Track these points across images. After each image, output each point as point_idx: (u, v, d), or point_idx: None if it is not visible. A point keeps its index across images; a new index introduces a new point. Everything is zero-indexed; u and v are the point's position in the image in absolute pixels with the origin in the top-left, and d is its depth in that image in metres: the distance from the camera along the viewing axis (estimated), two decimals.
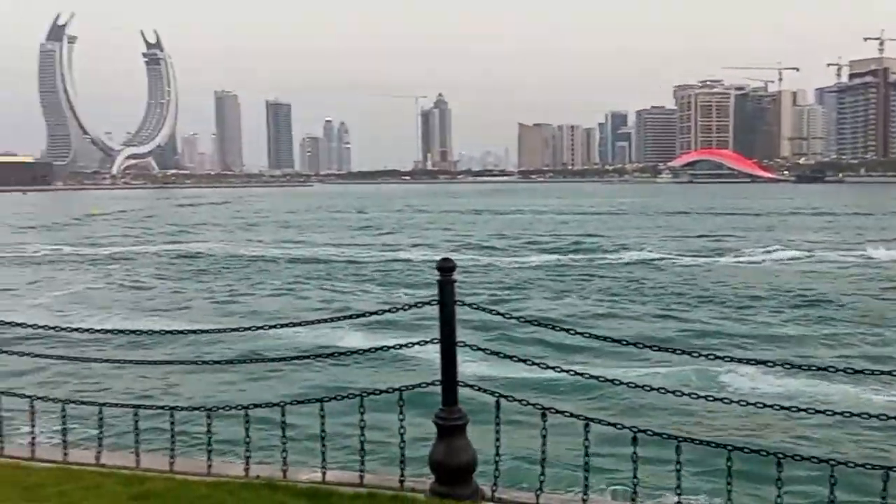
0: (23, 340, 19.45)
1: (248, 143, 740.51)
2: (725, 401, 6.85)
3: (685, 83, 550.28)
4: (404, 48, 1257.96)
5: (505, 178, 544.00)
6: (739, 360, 6.82)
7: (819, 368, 6.31)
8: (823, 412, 6.79)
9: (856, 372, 6.28)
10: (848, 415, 6.66)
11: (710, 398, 6.73)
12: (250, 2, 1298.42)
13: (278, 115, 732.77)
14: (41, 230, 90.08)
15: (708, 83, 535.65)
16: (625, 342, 6.95)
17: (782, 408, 6.36)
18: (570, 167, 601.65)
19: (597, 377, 7.00)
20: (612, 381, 6.84)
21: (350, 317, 8.08)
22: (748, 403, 6.33)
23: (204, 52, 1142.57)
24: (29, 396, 8.28)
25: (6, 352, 9.34)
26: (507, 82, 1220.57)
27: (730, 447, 6.03)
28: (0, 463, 7.71)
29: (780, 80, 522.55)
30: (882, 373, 6.37)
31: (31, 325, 8.73)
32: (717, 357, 6.72)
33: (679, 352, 7.04)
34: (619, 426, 6.47)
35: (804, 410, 6.36)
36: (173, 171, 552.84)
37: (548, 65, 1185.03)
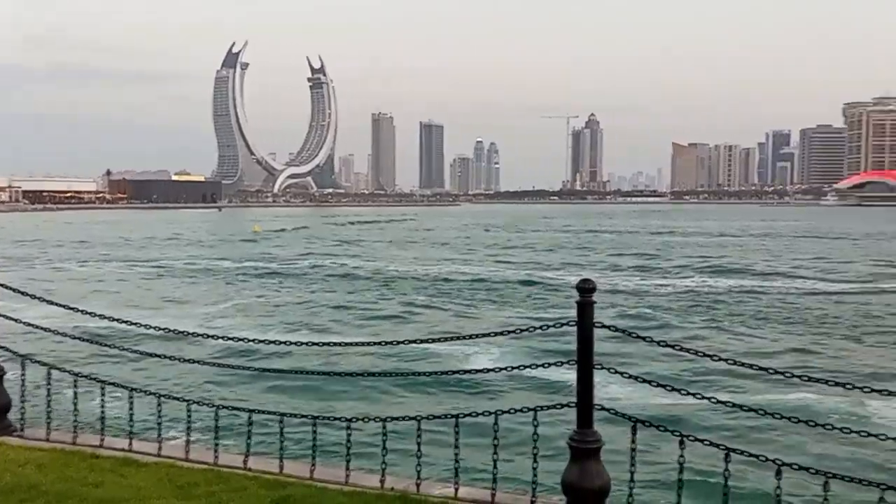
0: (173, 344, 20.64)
1: (401, 163, 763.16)
2: (881, 437, 6.35)
3: (856, 101, 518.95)
4: (557, 68, 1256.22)
5: (656, 198, 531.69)
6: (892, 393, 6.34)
7: None
8: None
9: None
10: None
11: (865, 433, 6.29)
12: (407, 26, 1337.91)
13: (431, 135, 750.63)
14: (227, 244, 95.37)
15: (882, 100, 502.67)
16: (771, 371, 6.61)
17: None
18: (726, 188, 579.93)
19: (740, 405, 6.67)
20: (754, 409, 6.52)
21: (486, 335, 8.13)
22: None
23: (364, 77, 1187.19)
24: (187, 400, 8.85)
25: (167, 357, 10.04)
26: (661, 103, 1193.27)
27: (884, 486, 5.61)
28: (157, 462, 8.26)
29: None
30: None
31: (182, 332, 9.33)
32: (872, 390, 6.26)
33: (832, 383, 6.62)
34: (761, 458, 6.16)
35: None
36: (330, 189, 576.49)
37: (706, 83, 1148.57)
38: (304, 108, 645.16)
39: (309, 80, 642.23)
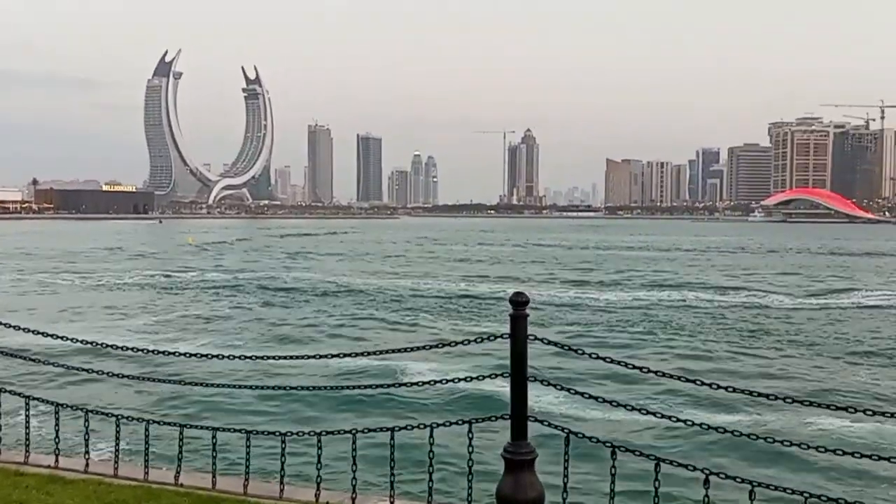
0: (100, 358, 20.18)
1: (339, 176, 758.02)
2: (802, 446, 6.58)
3: (781, 120, 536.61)
4: (494, 84, 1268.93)
5: (591, 213, 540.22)
6: (823, 406, 6.57)
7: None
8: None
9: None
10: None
11: (787, 443, 6.49)
12: (345, 38, 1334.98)
13: (369, 148, 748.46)
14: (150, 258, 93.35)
15: (806, 120, 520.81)
16: (699, 382, 6.77)
17: (863, 455, 6.09)
18: (658, 204, 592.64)
19: (669, 416, 6.82)
20: (684, 421, 6.68)
21: (422, 348, 8.14)
22: (827, 450, 6.08)
23: (299, 87, 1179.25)
24: (115, 415, 8.64)
25: (94, 371, 9.78)
26: (596, 119, 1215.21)
27: (807, 494, 5.79)
28: (84, 479, 8.03)
29: (883, 118, 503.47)
30: None
31: (112, 346, 9.12)
32: (795, 400, 6.50)
33: (760, 395, 6.81)
34: (690, 467, 6.30)
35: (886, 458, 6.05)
36: (266, 201, 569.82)
37: (638, 102, 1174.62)
38: (240, 119, 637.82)
39: (244, 90, 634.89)
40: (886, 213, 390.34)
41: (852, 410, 6.32)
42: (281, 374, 23.32)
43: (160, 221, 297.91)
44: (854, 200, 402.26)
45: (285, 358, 8.37)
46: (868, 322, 40.77)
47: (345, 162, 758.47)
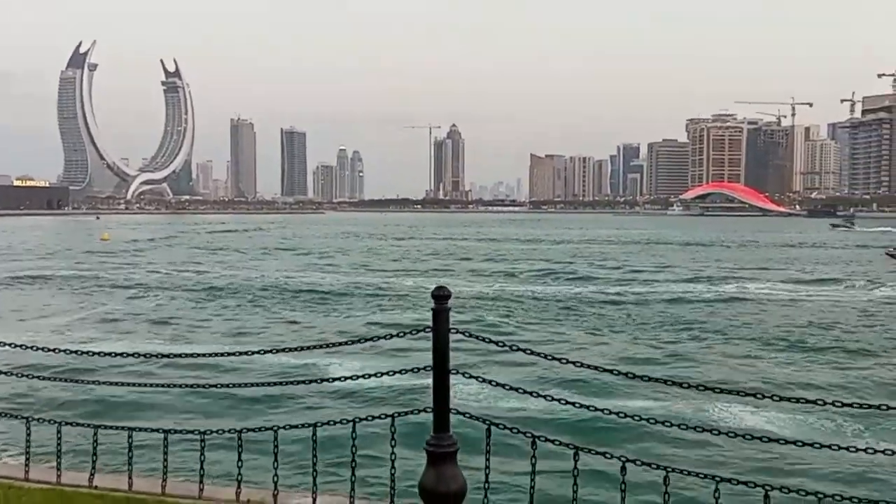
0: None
1: (263, 171, 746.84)
2: (714, 432, 6.81)
3: (698, 117, 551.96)
4: (419, 78, 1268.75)
5: (516, 208, 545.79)
6: (734, 392, 6.82)
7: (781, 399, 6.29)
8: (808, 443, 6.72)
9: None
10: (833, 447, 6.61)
11: (700, 429, 6.71)
12: (269, 32, 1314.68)
13: (293, 143, 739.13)
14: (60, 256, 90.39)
15: (721, 117, 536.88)
16: (616, 371, 6.94)
17: (770, 440, 6.35)
18: (581, 198, 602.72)
19: (587, 406, 6.97)
20: (601, 410, 6.84)
21: (344, 343, 8.12)
22: (737, 435, 6.32)
23: (221, 81, 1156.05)
24: (25, 417, 8.35)
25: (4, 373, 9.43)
26: (521, 114, 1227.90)
27: (718, 478, 5.99)
28: None
29: (794, 114, 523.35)
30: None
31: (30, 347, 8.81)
32: (706, 388, 6.72)
33: (673, 384, 7.01)
34: (608, 455, 6.46)
35: (793, 443, 6.31)
36: (187, 196, 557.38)
37: (561, 97, 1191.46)
38: (159, 113, 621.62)
39: (163, 83, 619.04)
40: (797, 206, 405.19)
41: (760, 396, 6.56)
42: (202, 371, 22.90)
43: (97, 217, 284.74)
44: (767, 194, 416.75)
45: (204, 355, 8.25)
46: (776, 310, 42.41)
47: (269, 156, 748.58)
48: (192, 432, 8.01)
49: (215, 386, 9.16)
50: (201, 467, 7.54)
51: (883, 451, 6.01)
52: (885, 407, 6.21)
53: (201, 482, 7.54)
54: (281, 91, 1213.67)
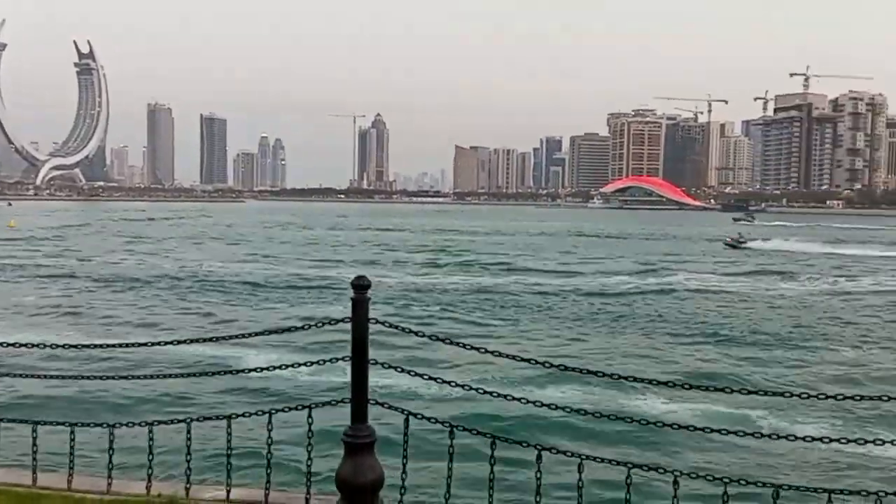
0: None
1: (181, 158, 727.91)
2: (626, 420, 6.95)
3: (619, 111, 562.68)
4: (345, 67, 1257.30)
5: (440, 199, 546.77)
6: (646, 381, 6.97)
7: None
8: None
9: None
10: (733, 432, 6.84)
11: (614, 417, 6.85)
12: (188, 15, 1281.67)
13: (213, 129, 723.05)
14: None
15: (641, 112, 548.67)
16: (533, 361, 7.00)
17: (680, 427, 6.52)
18: (504, 190, 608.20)
19: (504, 395, 7.02)
20: (518, 399, 6.90)
21: (260, 333, 7.98)
22: (648, 423, 6.48)
23: (139, 65, 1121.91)
24: None
25: None
26: (446, 105, 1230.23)
27: (630, 465, 6.12)
28: None
29: (710, 111, 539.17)
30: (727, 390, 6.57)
31: None
32: (620, 377, 6.86)
33: (589, 373, 7.13)
34: (524, 444, 6.53)
35: (701, 430, 6.50)
36: (101, 183, 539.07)
37: (486, 89, 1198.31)
38: (72, 96, 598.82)
39: (76, 65, 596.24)
40: (712, 200, 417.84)
41: (671, 385, 6.72)
42: (113, 363, 22.27)
43: (9, 204, 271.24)
44: (684, 188, 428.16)
45: (115, 346, 7.97)
46: (691, 302, 43.74)
47: (187, 143, 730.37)
48: (100, 426, 7.74)
49: (126, 377, 8.90)
50: (110, 461, 7.32)
51: (786, 437, 6.27)
52: (788, 394, 6.45)
53: (110, 476, 7.32)
54: (201, 77, 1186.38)
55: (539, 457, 6.26)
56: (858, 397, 6.17)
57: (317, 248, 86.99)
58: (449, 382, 7.20)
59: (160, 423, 7.54)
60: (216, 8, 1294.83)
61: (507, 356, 7.28)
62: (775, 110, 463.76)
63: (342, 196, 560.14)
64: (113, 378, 8.71)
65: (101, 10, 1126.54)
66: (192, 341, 7.94)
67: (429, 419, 6.84)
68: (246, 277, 52.42)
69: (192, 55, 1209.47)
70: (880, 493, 5.62)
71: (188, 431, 7.16)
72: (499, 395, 7.06)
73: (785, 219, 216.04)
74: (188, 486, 7.12)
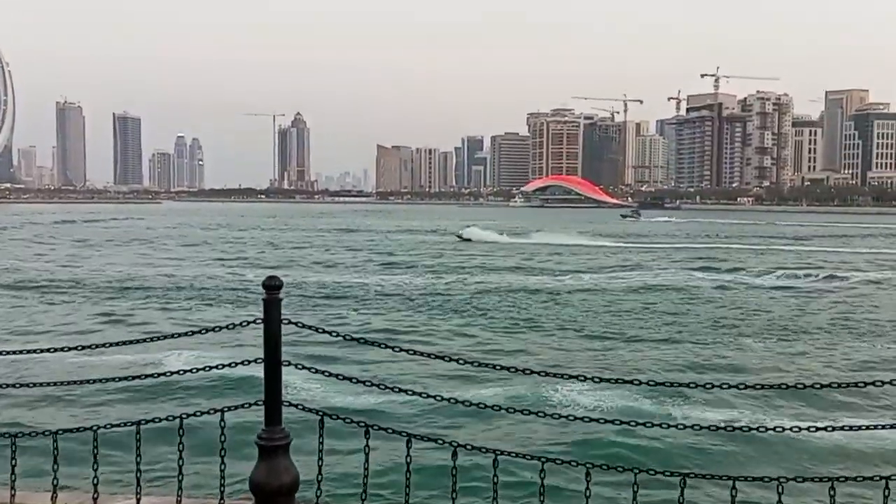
0: None
1: (93, 158, 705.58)
2: (539, 414, 7.06)
3: (538, 111, 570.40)
4: (262, 66, 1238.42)
5: (363, 199, 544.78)
6: (568, 377, 7.12)
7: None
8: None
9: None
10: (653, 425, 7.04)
11: (526, 412, 6.95)
12: (99, 11, 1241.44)
13: (127, 128, 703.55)
14: None
15: (559, 112, 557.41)
16: (447, 359, 7.05)
17: (591, 420, 6.67)
18: (427, 190, 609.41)
19: (419, 393, 7.05)
20: (433, 397, 6.94)
21: (170, 336, 7.79)
22: (560, 416, 6.59)
23: (46, 62, 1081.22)
24: None
25: None
26: (367, 104, 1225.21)
27: (544, 459, 6.22)
28: None
29: (626, 111, 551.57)
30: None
31: None
32: (547, 374, 6.95)
33: (513, 370, 7.20)
34: (439, 441, 6.56)
35: (611, 422, 6.68)
36: (7, 184, 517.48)
37: (407, 88, 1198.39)
38: None
39: None
40: (629, 198, 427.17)
41: (583, 378, 6.87)
42: (14, 370, 21.34)
43: None
44: (602, 187, 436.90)
45: (17, 353, 7.69)
46: (610, 296, 44.74)
47: (100, 143, 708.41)
48: (2, 436, 7.45)
49: (28, 385, 8.57)
50: (12, 472, 7.03)
51: (692, 427, 6.49)
52: (693, 385, 6.67)
53: (12, 488, 7.04)
54: (113, 74, 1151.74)
55: (455, 453, 6.30)
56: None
57: (234, 248, 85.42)
58: (364, 382, 7.19)
59: (65, 431, 7.29)
60: (127, 7, 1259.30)
61: (426, 355, 7.33)
62: (688, 110, 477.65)
63: (262, 196, 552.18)
64: (14, 386, 8.36)
65: (7, 4, 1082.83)
66: (97, 346, 7.70)
67: (343, 419, 6.82)
68: (155, 281, 51.03)
69: (102, 52, 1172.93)
70: (781, 479, 5.86)
71: (95, 439, 6.95)
72: (414, 393, 7.10)
73: (693, 215, 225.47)
74: (95, 495, 6.91)
